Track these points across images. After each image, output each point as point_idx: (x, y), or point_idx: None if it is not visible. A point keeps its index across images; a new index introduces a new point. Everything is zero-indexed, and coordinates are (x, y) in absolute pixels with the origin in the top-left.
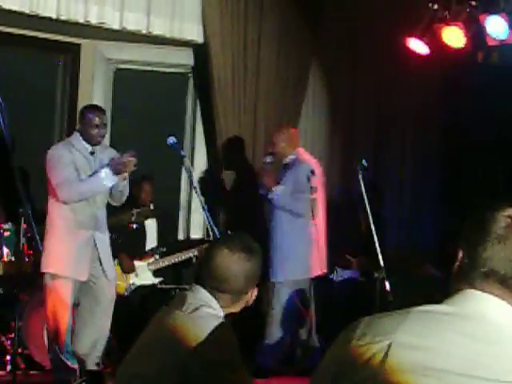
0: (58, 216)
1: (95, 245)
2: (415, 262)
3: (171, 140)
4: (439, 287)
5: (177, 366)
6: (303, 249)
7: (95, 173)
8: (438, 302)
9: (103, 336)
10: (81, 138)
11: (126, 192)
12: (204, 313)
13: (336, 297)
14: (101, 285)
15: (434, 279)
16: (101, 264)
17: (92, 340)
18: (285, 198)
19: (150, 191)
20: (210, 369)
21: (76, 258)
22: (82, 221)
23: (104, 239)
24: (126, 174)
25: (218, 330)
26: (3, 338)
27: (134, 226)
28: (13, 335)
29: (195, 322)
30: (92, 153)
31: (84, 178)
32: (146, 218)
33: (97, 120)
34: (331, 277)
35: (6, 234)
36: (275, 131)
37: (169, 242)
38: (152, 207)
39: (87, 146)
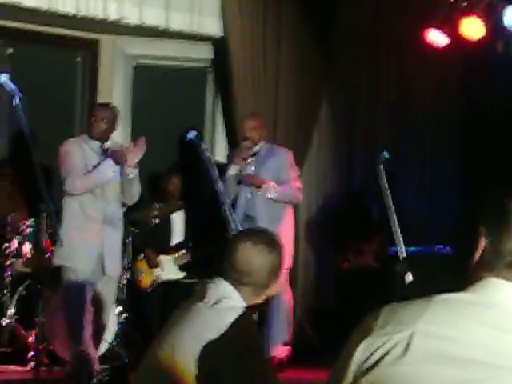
0: (69, 211)
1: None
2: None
3: (191, 134)
4: (451, 265)
5: (200, 358)
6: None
7: (97, 165)
8: (450, 280)
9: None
10: (89, 136)
11: (136, 191)
12: (226, 305)
13: (352, 284)
14: (96, 280)
15: (447, 258)
16: (102, 259)
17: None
18: (285, 191)
19: (178, 185)
20: (234, 358)
21: (85, 250)
22: (90, 215)
23: (112, 235)
24: (134, 167)
25: (239, 320)
26: (27, 334)
27: (157, 220)
28: (36, 331)
29: (217, 313)
30: (105, 150)
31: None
32: (173, 212)
33: (95, 114)
34: None
35: (28, 230)
36: (246, 118)
37: (191, 236)
38: (180, 201)
39: (98, 143)
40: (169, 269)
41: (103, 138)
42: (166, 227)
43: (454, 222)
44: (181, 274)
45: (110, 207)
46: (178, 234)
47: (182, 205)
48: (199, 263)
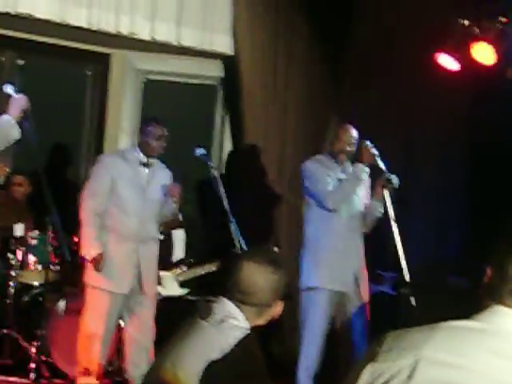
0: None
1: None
2: (440, 273)
3: (199, 151)
4: (465, 298)
5: (202, 377)
6: None
7: None
8: (465, 313)
9: (144, 350)
10: (137, 149)
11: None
12: (230, 324)
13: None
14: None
15: (460, 290)
16: (140, 277)
17: (136, 354)
18: None
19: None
20: (236, 380)
21: (117, 270)
22: (123, 233)
23: (146, 252)
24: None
25: (243, 341)
26: (28, 346)
27: (162, 236)
28: (38, 343)
29: (221, 333)
30: (145, 164)
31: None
32: (173, 228)
33: (159, 131)
34: None
35: (33, 242)
36: (350, 127)
37: (196, 253)
38: (180, 218)
39: (141, 157)
40: (169, 285)
41: (160, 153)
42: (166, 243)
43: (462, 250)
44: (181, 291)
45: (145, 225)
46: (178, 251)
47: (183, 222)
48: (200, 280)
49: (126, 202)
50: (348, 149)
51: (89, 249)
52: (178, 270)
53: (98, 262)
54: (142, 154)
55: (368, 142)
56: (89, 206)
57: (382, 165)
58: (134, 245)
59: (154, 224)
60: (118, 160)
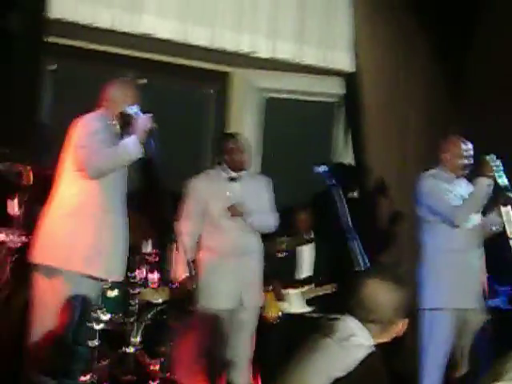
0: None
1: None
2: None
3: (321, 168)
4: None
5: None
6: None
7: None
8: None
9: (243, 363)
10: (223, 167)
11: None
12: (354, 342)
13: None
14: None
15: None
16: (241, 291)
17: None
18: None
19: (306, 219)
20: None
21: (219, 288)
22: (222, 251)
23: (247, 265)
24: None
25: (368, 359)
26: (151, 363)
27: (283, 254)
28: (161, 360)
29: (346, 350)
30: (233, 179)
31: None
32: (298, 245)
33: (240, 145)
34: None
35: (157, 259)
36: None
37: (320, 270)
38: (310, 235)
39: (229, 173)
40: (296, 302)
41: (244, 167)
42: (292, 261)
43: None
44: (307, 309)
45: (241, 239)
46: (306, 268)
47: (311, 239)
48: (326, 298)
49: (221, 220)
50: (462, 162)
51: (177, 272)
52: (305, 288)
53: (185, 285)
54: (229, 170)
55: (491, 156)
56: (181, 229)
57: (504, 180)
58: (234, 260)
59: (253, 237)
60: (207, 181)
